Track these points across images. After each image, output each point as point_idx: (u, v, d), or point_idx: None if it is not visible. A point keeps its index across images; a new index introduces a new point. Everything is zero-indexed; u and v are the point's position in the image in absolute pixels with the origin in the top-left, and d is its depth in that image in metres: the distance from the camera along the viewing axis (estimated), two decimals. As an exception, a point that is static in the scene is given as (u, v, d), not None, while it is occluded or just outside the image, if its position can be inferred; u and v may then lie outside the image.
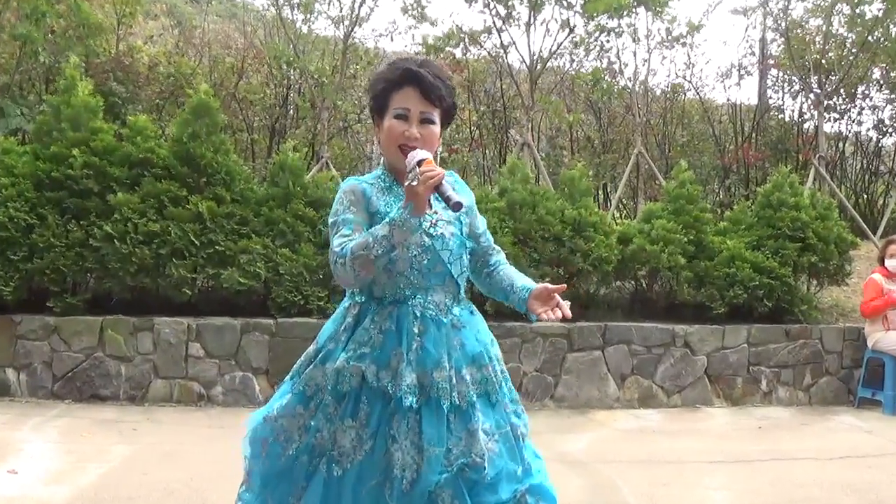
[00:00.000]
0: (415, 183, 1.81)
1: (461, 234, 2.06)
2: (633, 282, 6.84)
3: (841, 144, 11.96)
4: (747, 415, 5.91)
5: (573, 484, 3.87)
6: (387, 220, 1.88)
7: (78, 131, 5.74)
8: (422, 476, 1.85)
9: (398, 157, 1.97)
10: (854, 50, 10.26)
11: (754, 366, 6.28)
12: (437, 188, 1.85)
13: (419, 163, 1.87)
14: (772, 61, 11.53)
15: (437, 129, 2.02)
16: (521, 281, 2.10)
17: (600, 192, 11.86)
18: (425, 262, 1.97)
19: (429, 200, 1.91)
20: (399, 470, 1.86)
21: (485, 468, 1.88)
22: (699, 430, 5.45)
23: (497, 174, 8.20)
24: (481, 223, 2.17)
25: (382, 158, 2.12)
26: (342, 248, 1.89)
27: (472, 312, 2.08)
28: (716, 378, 6.21)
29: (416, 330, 1.94)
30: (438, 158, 2.18)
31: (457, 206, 1.85)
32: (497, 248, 2.21)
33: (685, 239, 6.45)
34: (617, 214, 10.45)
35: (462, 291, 2.06)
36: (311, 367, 2.01)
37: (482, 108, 11.10)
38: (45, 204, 5.53)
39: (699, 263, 6.45)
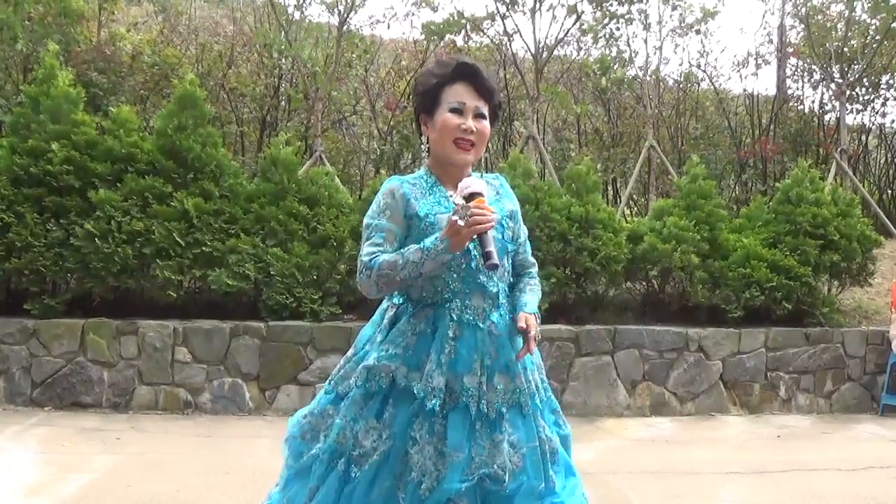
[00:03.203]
0: (461, 223, 1.85)
1: (503, 238, 2.09)
2: (643, 282, 6.85)
3: (864, 137, 11.97)
4: (765, 423, 5.92)
5: (581, 496, 3.87)
6: (420, 245, 1.94)
7: (58, 124, 5.75)
8: (442, 483, 1.90)
9: (453, 151, 2.04)
10: (878, 37, 10.25)
11: (772, 371, 6.29)
12: (481, 236, 1.88)
13: (470, 196, 1.89)
14: (791, 49, 11.53)
15: (488, 125, 2.09)
16: (522, 300, 2.12)
17: (609, 187, 11.88)
18: (464, 265, 2.02)
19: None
20: (418, 474, 1.91)
21: (504, 480, 1.93)
22: (714, 439, 5.46)
23: (498, 169, 8.20)
24: (522, 233, 2.20)
25: (426, 159, 2.17)
26: (371, 260, 1.98)
27: (512, 319, 2.10)
28: (732, 384, 6.21)
29: (451, 333, 2.00)
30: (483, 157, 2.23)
31: (492, 267, 1.88)
32: (532, 261, 2.23)
33: (699, 237, 6.46)
34: (627, 211, 10.46)
35: (503, 296, 2.09)
36: (347, 368, 2.09)
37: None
38: (22, 201, 5.53)
39: (714, 263, 6.46)
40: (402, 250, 1.98)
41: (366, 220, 2.08)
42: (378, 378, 2.00)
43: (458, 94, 2.05)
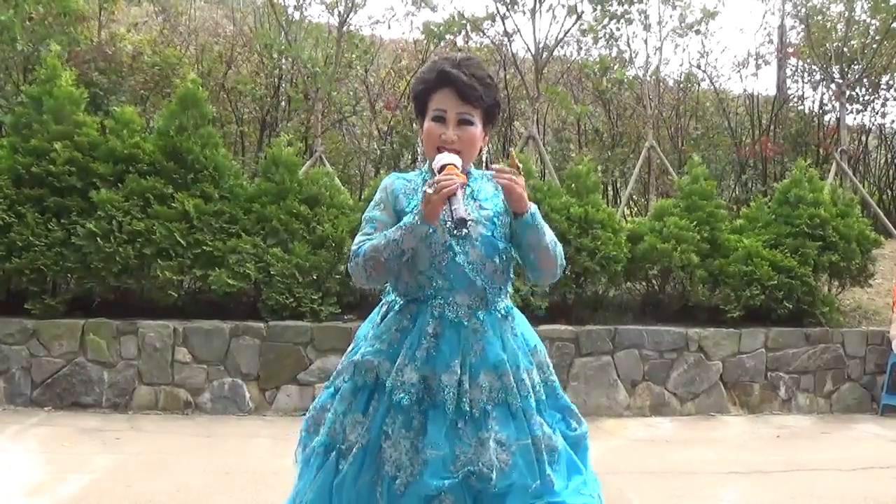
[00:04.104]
0: (430, 190, 1.88)
1: (493, 235, 2.06)
2: (643, 282, 6.85)
3: (864, 137, 11.97)
4: (765, 423, 5.92)
5: (581, 496, 3.87)
6: (400, 224, 1.96)
7: (60, 124, 5.75)
8: (417, 479, 1.90)
9: None
10: (878, 37, 10.26)
11: (772, 371, 6.29)
12: (449, 198, 1.88)
13: (442, 168, 1.93)
14: (791, 49, 11.54)
15: (476, 129, 2.06)
16: None
17: (609, 188, 11.88)
18: (445, 262, 2.02)
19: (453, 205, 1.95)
20: (392, 468, 1.91)
21: (492, 479, 1.91)
22: (714, 439, 5.46)
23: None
24: None
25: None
26: (359, 247, 2.01)
27: (505, 317, 2.09)
28: (732, 384, 6.21)
29: (430, 330, 2.00)
30: (485, 156, 2.21)
31: (460, 223, 1.87)
32: None
33: (699, 237, 6.46)
34: (627, 212, 10.47)
35: (493, 295, 2.07)
36: (344, 363, 2.12)
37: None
38: (24, 201, 5.53)
39: (714, 263, 6.46)
40: (385, 232, 2.00)
41: (363, 216, 2.12)
42: (364, 373, 2.02)
43: (442, 101, 2.02)
